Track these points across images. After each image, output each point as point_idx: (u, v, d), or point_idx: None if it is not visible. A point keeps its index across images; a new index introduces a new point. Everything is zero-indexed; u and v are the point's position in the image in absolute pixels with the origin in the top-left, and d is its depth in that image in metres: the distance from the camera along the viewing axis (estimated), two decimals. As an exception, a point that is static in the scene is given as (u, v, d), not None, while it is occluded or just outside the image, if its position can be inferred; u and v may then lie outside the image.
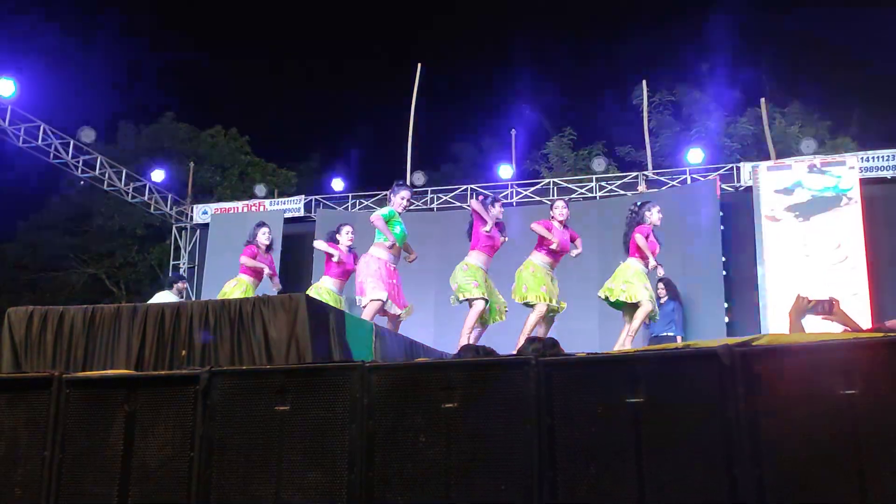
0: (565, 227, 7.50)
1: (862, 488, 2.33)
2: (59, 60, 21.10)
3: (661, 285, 9.82)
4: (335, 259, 7.56)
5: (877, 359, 2.41)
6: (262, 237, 7.89)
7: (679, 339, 9.48)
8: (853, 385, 2.37)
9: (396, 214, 6.93)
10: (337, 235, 7.88)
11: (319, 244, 8.00)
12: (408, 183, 6.74)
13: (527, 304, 7.21)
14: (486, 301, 6.89)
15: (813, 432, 2.40)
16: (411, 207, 13.62)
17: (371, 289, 6.54)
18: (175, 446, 2.99)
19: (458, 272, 7.09)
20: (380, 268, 6.67)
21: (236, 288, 7.47)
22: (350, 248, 7.94)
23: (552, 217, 7.46)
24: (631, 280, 7.23)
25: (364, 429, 2.84)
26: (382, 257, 6.75)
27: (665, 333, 9.52)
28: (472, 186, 13.99)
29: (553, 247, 7.16)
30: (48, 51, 20.77)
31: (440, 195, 14.05)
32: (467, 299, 6.94)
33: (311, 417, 2.91)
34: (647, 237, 7.29)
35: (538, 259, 7.29)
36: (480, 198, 7.91)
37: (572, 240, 7.52)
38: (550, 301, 7.14)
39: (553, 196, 13.52)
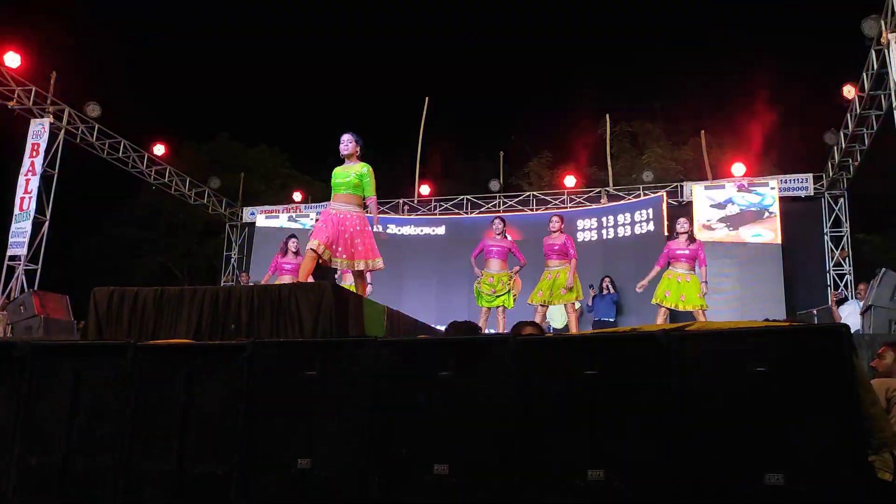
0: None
1: (773, 443, 2.36)
2: (137, 86, 21.08)
3: (607, 280, 9.93)
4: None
5: (783, 343, 2.44)
6: (291, 245, 8.14)
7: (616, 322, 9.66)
8: (764, 364, 2.40)
9: (336, 169, 5.63)
10: None
11: None
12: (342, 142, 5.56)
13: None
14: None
15: (733, 401, 2.43)
16: (419, 213, 13.72)
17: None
18: (226, 402, 3.01)
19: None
20: (321, 218, 5.51)
21: None
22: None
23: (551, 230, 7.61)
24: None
25: (376, 391, 2.87)
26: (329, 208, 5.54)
27: (605, 319, 9.62)
28: (468, 197, 14.00)
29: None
30: (128, 77, 20.75)
31: (442, 203, 14.08)
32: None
33: (334, 381, 2.94)
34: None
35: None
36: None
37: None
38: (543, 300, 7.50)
39: (533, 206, 13.55)
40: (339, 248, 5.26)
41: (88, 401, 3.18)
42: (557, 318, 9.54)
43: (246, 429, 2.95)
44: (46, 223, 10.92)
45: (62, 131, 11.32)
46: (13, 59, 10.62)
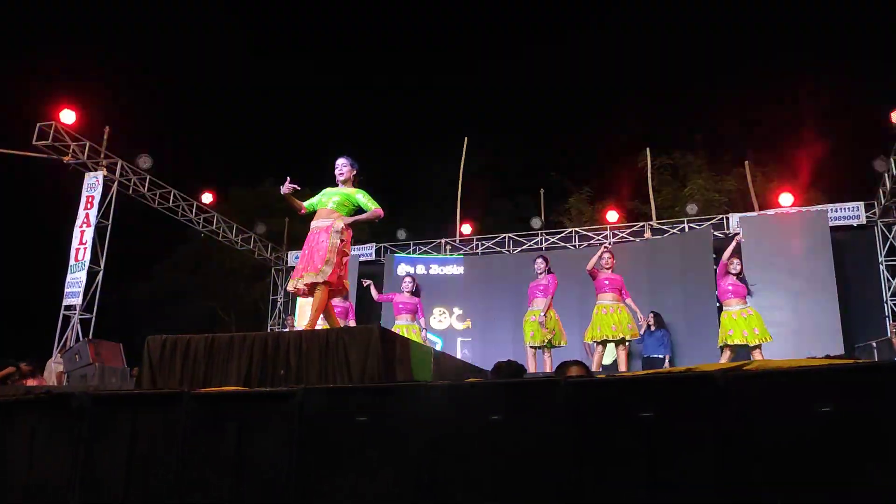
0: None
1: (841, 489, 2.26)
2: (185, 136, 21.78)
3: (651, 316, 9.76)
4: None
5: (848, 381, 2.35)
6: None
7: (667, 358, 9.39)
8: (828, 403, 2.31)
9: (328, 188, 5.36)
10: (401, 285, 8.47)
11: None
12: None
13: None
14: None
15: (796, 443, 2.34)
16: (464, 252, 13.73)
17: None
18: (277, 449, 3.02)
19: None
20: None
21: None
22: (412, 292, 8.29)
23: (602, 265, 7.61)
24: None
25: (427, 435, 2.84)
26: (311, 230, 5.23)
27: (655, 355, 9.41)
28: (510, 235, 13.99)
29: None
30: (179, 130, 21.47)
31: (483, 242, 14.08)
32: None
33: (385, 426, 2.93)
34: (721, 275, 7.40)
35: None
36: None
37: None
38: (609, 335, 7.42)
39: (575, 243, 13.45)
40: (301, 266, 5.00)
41: (144, 450, 3.23)
42: (607, 354, 9.39)
43: (298, 476, 2.95)
44: (101, 273, 11.25)
45: (115, 183, 11.73)
46: (68, 116, 11.10)
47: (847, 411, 2.28)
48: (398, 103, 29.09)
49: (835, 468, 2.28)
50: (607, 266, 7.63)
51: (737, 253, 7.69)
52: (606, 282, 7.52)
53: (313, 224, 5.18)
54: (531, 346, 7.61)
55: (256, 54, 29.40)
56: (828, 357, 2.98)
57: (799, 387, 2.40)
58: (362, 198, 5.18)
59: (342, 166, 5.28)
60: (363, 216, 5.19)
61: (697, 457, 2.41)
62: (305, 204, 5.34)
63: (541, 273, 7.76)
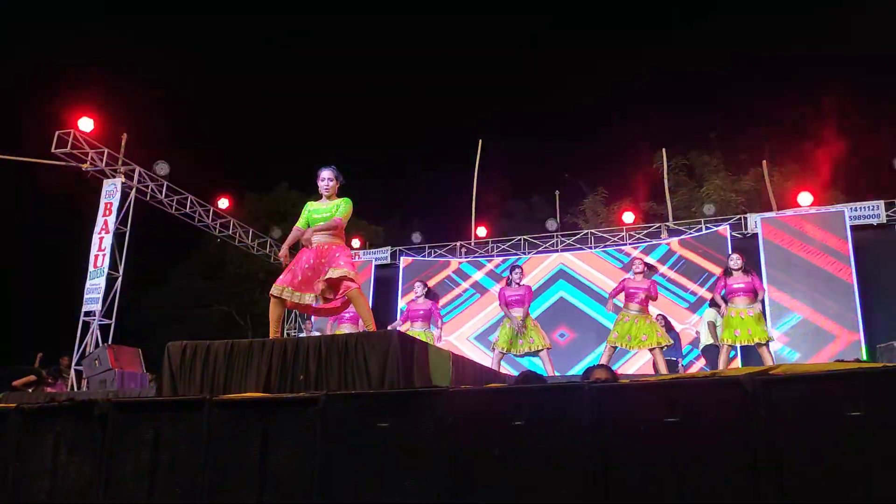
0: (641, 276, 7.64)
1: (868, 495, 2.22)
2: (203, 144, 21.93)
3: (661, 319, 9.80)
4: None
5: (879, 386, 2.31)
6: None
7: (679, 361, 9.54)
8: (859, 408, 2.27)
9: (311, 203, 5.25)
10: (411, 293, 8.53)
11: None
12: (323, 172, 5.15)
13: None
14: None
15: (826, 448, 2.30)
16: (476, 255, 13.71)
17: None
18: (300, 456, 3.01)
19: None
20: (295, 258, 5.13)
21: None
22: (426, 296, 8.27)
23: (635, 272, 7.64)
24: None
25: (449, 442, 2.83)
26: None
27: (669, 358, 9.47)
28: (525, 237, 13.96)
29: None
30: (195, 137, 21.61)
31: (499, 244, 14.05)
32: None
33: (407, 432, 2.91)
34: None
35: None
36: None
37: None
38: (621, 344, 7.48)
39: (591, 244, 13.41)
40: (301, 279, 4.90)
41: (167, 457, 3.23)
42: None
43: (320, 482, 2.94)
44: (119, 279, 11.34)
45: (133, 190, 11.82)
46: (87, 124, 11.21)
47: (879, 416, 2.24)
48: (412, 106, 29.13)
49: (865, 474, 2.24)
50: (638, 271, 7.68)
51: (736, 249, 7.66)
52: (639, 291, 7.52)
53: (313, 239, 5.05)
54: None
55: (269, 59, 29.58)
56: (857, 360, 2.93)
57: (828, 391, 2.37)
58: (344, 206, 5.07)
59: (328, 179, 5.11)
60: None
61: (727, 465, 2.38)
62: (298, 225, 5.18)
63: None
